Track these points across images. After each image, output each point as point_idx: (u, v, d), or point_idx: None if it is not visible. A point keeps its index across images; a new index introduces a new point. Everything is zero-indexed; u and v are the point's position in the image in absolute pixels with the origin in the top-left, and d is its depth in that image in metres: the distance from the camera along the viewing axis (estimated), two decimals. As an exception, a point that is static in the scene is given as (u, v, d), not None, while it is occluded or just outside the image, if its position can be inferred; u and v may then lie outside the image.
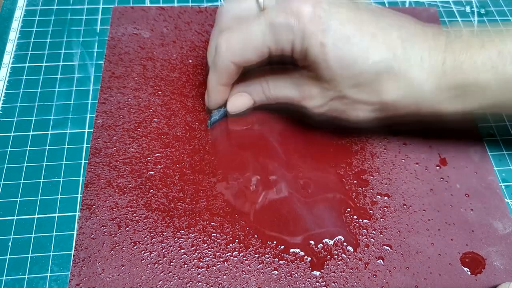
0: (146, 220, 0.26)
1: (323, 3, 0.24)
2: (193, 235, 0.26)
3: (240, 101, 0.29)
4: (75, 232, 0.26)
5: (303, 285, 0.25)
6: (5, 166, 0.28)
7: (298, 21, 0.23)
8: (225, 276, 0.25)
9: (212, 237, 0.26)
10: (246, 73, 0.28)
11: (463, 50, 0.24)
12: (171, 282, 0.25)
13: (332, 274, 0.25)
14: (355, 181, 0.29)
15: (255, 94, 0.29)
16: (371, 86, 0.24)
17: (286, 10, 0.24)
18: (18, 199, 0.27)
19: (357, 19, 0.24)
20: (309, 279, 0.25)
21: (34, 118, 0.30)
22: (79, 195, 0.27)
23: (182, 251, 0.26)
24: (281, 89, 0.28)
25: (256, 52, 0.25)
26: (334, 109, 0.27)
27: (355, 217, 0.27)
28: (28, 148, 0.29)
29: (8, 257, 0.25)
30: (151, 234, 0.26)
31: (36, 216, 0.26)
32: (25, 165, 0.28)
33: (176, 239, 0.26)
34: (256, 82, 0.28)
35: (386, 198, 0.28)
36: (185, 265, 0.25)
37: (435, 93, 0.24)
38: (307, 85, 0.26)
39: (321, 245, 0.26)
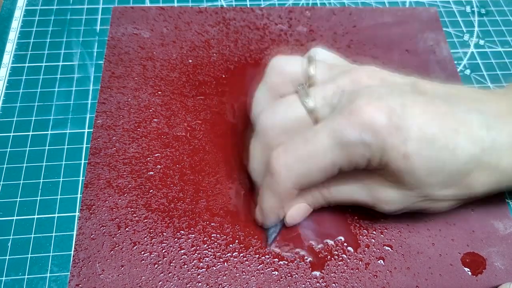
0: (146, 220, 0.26)
1: (397, 107, 0.21)
2: (193, 235, 0.26)
3: (299, 213, 0.25)
4: (74, 233, 0.26)
5: (303, 285, 0.25)
6: (5, 166, 0.28)
7: (375, 137, 0.20)
8: (225, 277, 0.25)
9: (212, 238, 0.26)
10: None
11: None
12: (171, 283, 0.24)
13: (332, 274, 0.25)
14: (356, 181, 0.29)
15: (314, 202, 0.25)
16: (461, 183, 0.22)
17: (355, 123, 0.20)
18: (18, 199, 0.27)
19: (434, 115, 0.21)
20: (309, 280, 0.25)
21: (33, 118, 0.30)
22: (78, 196, 0.27)
23: (182, 251, 0.25)
24: (346, 193, 0.24)
25: (324, 173, 0.22)
26: (412, 206, 0.24)
27: (355, 217, 0.27)
28: (27, 148, 0.29)
29: (7, 257, 0.25)
30: (151, 235, 0.26)
31: (35, 216, 0.26)
32: (24, 165, 0.28)
33: (176, 239, 0.26)
34: (315, 190, 0.25)
35: (386, 198, 0.28)
36: (185, 266, 0.25)
37: None
38: (383, 191, 0.23)
39: (321, 245, 0.26)
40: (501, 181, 0.23)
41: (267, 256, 0.26)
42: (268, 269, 0.25)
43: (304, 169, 0.22)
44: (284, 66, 0.24)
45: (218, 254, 0.26)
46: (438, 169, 0.21)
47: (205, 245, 0.26)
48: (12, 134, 0.29)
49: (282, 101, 0.23)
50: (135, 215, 0.26)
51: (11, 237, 0.26)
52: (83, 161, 0.28)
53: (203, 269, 0.25)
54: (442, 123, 0.21)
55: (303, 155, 0.22)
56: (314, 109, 0.22)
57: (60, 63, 0.33)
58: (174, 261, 0.25)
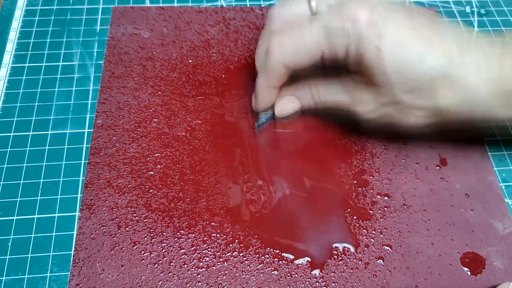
0: (146, 220, 0.26)
1: (379, 8, 0.24)
2: (193, 235, 0.26)
3: (288, 105, 0.29)
4: (75, 232, 0.26)
5: (303, 285, 0.25)
6: (5, 166, 0.28)
7: (354, 26, 0.23)
8: (225, 276, 0.25)
9: (212, 237, 0.26)
10: (295, 77, 0.28)
11: None
12: (171, 282, 0.25)
13: (332, 274, 0.25)
14: (355, 181, 0.29)
15: (303, 99, 0.29)
16: (426, 91, 0.24)
17: (342, 14, 0.24)
18: (18, 199, 0.27)
19: (412, 24, 0.24)
20: (309, 279, 0.25)
21: (34, 118, 0.30)
22: (79, 195, 0.27)
23: (182, 251, 0.26)
24: (331, 93, 0.27)
25: (308, 55, 0.25)
26: (386, 115, 0.26)
27: (355, 217, 0.27)
28: (28, 148, 0.29)
29: (8, 257, 0.25)
30: (151, 234, 0.26)
31: (36, 216, 0.26)
32: (25, 165, 0.28)
33: (176, 239, 0.26)
34: (305, 87, 0.28)
35: (386, 198, 0.28)
36: (185, 265, 0.25)
37: (491, 99, 0.24)
38: (359, 90, 0.26)
39: (321, 245, 0.26)
40: (464, 101, 0.24)
41: (267, 256, 0.26)
42: (268, 268, 0.25)
43: (294, 48, 0.25)
44: (282, 11, 0.27)
45: (218, 253, 0.26)
46: (405, 70, 0.24)
47: (205, 245, 0.26)
48: (12, 134, 0.29)
49: (291, 1, 0.27)
50: (135, 215, 0.27)
51: (11, 237, 0.26)
52: (83, 161, 0.28)
53: (203, 269, 0.25)
54: (419, 31, 0.24)
55: (295, 37, 0.25)
56: (317, 11, 0.26)
57: (60, 63, 0.33)
58: (174, 260, 0.25)
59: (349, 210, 0.27)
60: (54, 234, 0.26)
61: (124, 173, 0.28)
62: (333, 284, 0.25)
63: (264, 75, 0.27)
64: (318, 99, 0.28)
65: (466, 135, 0.31)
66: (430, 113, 0.25)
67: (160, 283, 0.24)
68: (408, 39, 0.23)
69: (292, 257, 0.26)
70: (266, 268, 0.25)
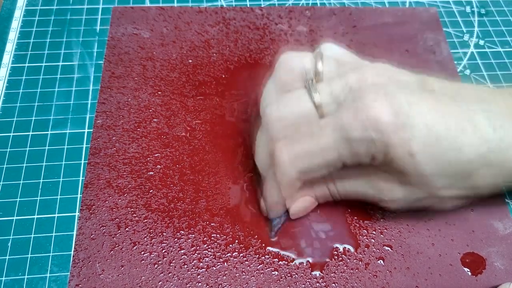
0: (145, 220, 0.26)
1: (403, 104, 0.21)
2: (193, 235, 0.26)
3: (304, 206, 0.26)
4: (74, 233, 0.26)
5: (303, 285, 0.25)
6: (5, 166, 0.28)
7: (380, 134, 0.20)
8: (225, 277, 0.25)
9: (212, 238, 0.26)
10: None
11: None
12: (171, 283, 0.24)
13: (332, 274, 0.25)
14: (355, 181, 0.29)
15: (319, 196, 0.26)
16: (466, 183, 0.22)
17: (361, 120, 0.20)
18: (18, 199, 0.27)
19: (441, 113, 0.21)
20: (309, 280, 0.25)
21: (33, 118, 0.30)
22: (78, 196, 0.27)
23: (182, 251, 0.26)
24: (351, 188, 0.25)
25: (327, 167, 0.22)
26: (419, 206, 0.24)
27: (355, 217, 0.27)
28: (27, 148, 0.29)
29: (7, 257, 0.25)
30: (151, 235, 0.26)
31: (35, 216, 0.26)
32: (24, 165, 0.28)
33: (176, 239, 0.26)
34: (321, 184, 0.25)
35: (386, 198, 0.28)
36: (185, 266, 0.25)
37: None
38: (388, 188, 0.23)
39: (321, 245, 0.26)
40: (507, 181, 0.23)
41: (267, 256, 0.26)
42: (268, 269, 0.25)
43: (307, 162, 0.22)
44: (293, 62, 0.24)
45: (218, 254, 0.26)
46: (444, 169, 0.21)
47: (205, 245, 0.26)
48: (12, 134, 0.29)
49: (290, 95, 0.23)
50: (135, 215, 0.27)
51: (11, 237, 0.26)
52: (83, 161, 0.28)
53: (203, 269, 0.25)
54: (448, 122, 0.21)
55: (308, 148, 0.22)
56: (321, 105, 0.22)
57: (60, 63, 0.33)
58: (174, 261, 0.25)
59: (349, 210, 0.27)
60: (54, 234, 0.26)
61: (124, 173, 0.28)
62: (334, 284, 0.25)
63: (274, 187, 0.24)
64: (336, 194, 0.25)
65: None
66: (466, 196, 0.24)
67: (160, 283, 0.24)
68: (440, 134, 0.21)
69: (292, 257, 0.26)
70: (266, 269, 0.25)
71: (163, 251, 0.25)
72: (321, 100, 0.22)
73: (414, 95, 0.21)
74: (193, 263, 0.25)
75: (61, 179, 0.28)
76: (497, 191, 0.24)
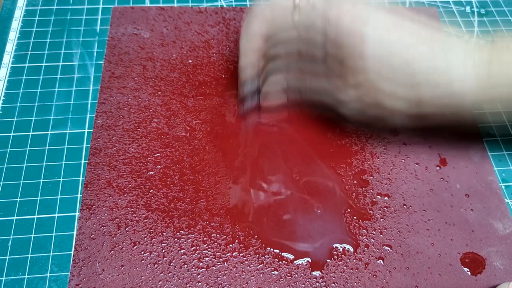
0: (146, 220, 0.26)
1: (364, 14, 0.24)
2: (193, 235, 0.26)
3: (273, 87, 0.30)
4: (74, 232, 0.26)
5: (303, 285, 0.25)
6: (5, 166, 0.28)
7: (336, 33, 0.24)
8: (225, 277, 0.25)
9: (212, 238, 0.26)
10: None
11: (506, 50, 0.24)
12: (171, 283, 0.25)
13: (332, 274, 0.25)
14: (355, 181, 0.29)
15: (290, 83, 0.29)
16: (410, 93, 0.25)
17: (324, 16, 0.25)
18: (18, 199, 0.27)
19: (398, 26, 0.24)
20: (309, 280, 0.25)
21: (34, 118, 0.30)
22: (79, 195, 0.27)
23: (182, 251, 0.26)
24: (314, 84, 0.28)
25: (285, 43, 0.27)
26: (372, 115, 0.27)
27: (355, 217, 0.27)
28: (28, 148, 0.29)
29: (7, 257, 0.25)
30: (151, 235, 0.26)
31: (36, 216, 0.26)
32: (25, 165, 0.28)
33: (176, 239, 0.26)
34: (290, 71, 0.29)
35: (386, 198, 0.28)
36: (185, 266, 0.25)
37: (476, 104, 0.24)
38: (342, 86, 0.26)
39: (321, 245, 0.26)
40: (451, 102, 0.24)
41: (267, 256, 0.26)
42: (268, 269, 0.25)
43: (272, 30, 0.27)
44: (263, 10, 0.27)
45: (218, 254, 0.26)
46: (391, 73, 0.24)
47: (205, 245, 0.26)
48: (12, 134, 0.29)
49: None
50: (135, 215, 0.27)
51: (11, 237, 0.26)
52: (83, 161, 0.28)
53: (203, 269, 0.25)
54: (403, 35, 0.24)
55: (276, 22, 0.26)
56: (298, 6, 0.26)
57: (60, 63, 0.33)
58: (174, 261, 0.25)
59: (349, 210, 0.27)
60: (54, 234, 0.26)
61: (124, 173, 0.28)
62: (333, 284, 0.25)
63: (245, 39, 0.27)
64: (303, 86, 0.29)
65: (463, 131, 0.31)
66: (411, 104, 0.25)
67: (160, 283, 0.24)
68: (393, 37, 0.24)
69: (292, 257, 0.26)
70: (266, 268, 0.25)
71: (163, 251, 0.25)
72: (299, 2, 0.26)
73: (378, 11, 0.25)
74: (193, 263, 0.25)
75: (61, 179, 0.28)
76: (446, 116, 0.25)
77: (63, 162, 0.28)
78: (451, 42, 0.24)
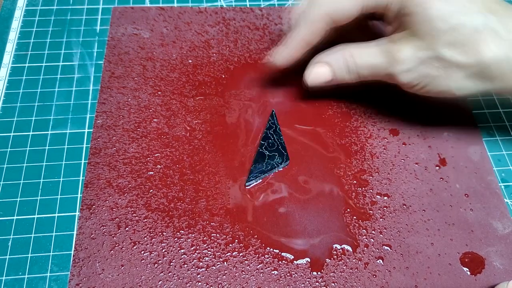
0: (146, 220, 0.26)
1: None
2: (192, 235, 0.26)
3: (319, 71, 0.27)
4: (74, 232, 0.26)
5: (302, 285, 0.25)
6: (5, 166, 0.28)
7: None
8: (224, 276, 0.25)
9: (212, 237, 0.26)
10: (329, 47, 0.28)
11: None
12: (171, 282, 0.25)
13: (331, 274, 0.25)
14: (355, 181, 0.29)
15: (336, 66, 0.27)
16: (471, 45, 0.24)
17: None
18: (18, 199, 0.27)
19: None
20: (308, 279, 0.25)
21: (34, 118, 0.30)
22: (79, 195, 0.27)
23: (182, 251, 0.26)
24: (365, 56, 0.26)
25: (352, 2, 0.25)
26: (425, 75, 0.25)
27: (354, 217, 0.27)
28: (28, 148, 0.29)
29: (7, 257, 0.25)
30: (151, 234, 0.26)
31: (36, 216, 0.26)
32: (25, 165, 0.28)
33: (176, 239, 0.26)
34: (338, 52, 0.27)
35: (385, 198, 0.28)
36: (185, 265, 0.25)
37: None
38: (397, 46, 0.25)
39: (320, 245, 0.26)
40: (510, 59, 0.24)
41: (266, 256, 0.26)
42: (268, 268, 0.25)
43: (336, 3, 0.25)
44: None
45: (217, 253, 0.26)
46: (450, 19, 0.23)
47: (205, 245, 0.26)
48: (12, 134, 0.29)
49: None
50: (135, 214, 0.27)
51: (11, 237, 0.26)
52: (83, 161, 0.28)
53: (203, 269, 0.25)
54: None
55: None
56: None
57: (60, 63, 0.33)
58: (174, 260, 0.25)
59: (348, 210, 0.27)
60: (54, 234, 0.26)
61: (124, 173, 0.28)
62: (333, 284, 0.25)
63: (304, 25, 0.26)
64: (353, 64, 0.27)
65: (464, 130, 0.31)
66: (472, 71, 0.24)
67: (160, 283, 0.24)
68: None
69: (292, 257, 0.26)
70: (266, 268, 0.25)
71: (163, 250, 0.25)
72: None
73: None
74: (193, 263, 0.25)
75: (61, 179, 0.28)
76: (503, 93, 0.25)
77: (63, 162, 0.28)
78: (509, 6, 0.24)
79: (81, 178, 0.28)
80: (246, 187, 0.28)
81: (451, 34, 0.23)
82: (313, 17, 0.26)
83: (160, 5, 0.37)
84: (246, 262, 0.25)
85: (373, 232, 0.27)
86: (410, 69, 0.25)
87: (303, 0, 0.28)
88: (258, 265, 0.25)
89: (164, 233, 0.26)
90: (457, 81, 0.25)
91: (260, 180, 0.28)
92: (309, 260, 0.26)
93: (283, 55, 0.28)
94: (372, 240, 0.27)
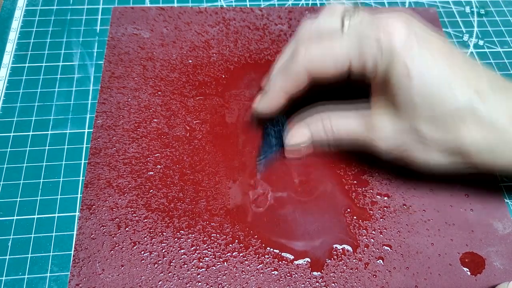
0: (146, 220, 0.26)
1: (417, 28, 0.23)
2: (193, 235, 0.26)
3: (299, 132, 0.28)
4: (74, 232, 0.26)
5: (302, 285, 0.25)
6: (5, 166, 0.28)
7: (389, 39, 0.22)
8: (225, 277, 0.25)
9: (212, 238, 0.26)
10: (307, 108, 0.28)
11: None
12: (171, 282, 0.25)
13: (332, 274, 0.25)
14: (355, 181, 0.29)
15: (314, 129, 0.27)
16: (450, 125, 0.23)
17: (377, 24, 0.23)
18: (18, 199, 0.27)
19: (448, 54, 0.23)
20: (308, 279, 0.25)
21: (34, 118, 0.30)
22: (79, 195, 0.27)
23: (182, 251, 0.26)
24: (343, 121, 0.26)
25: (335, 64, 0.24)
26: (403, 145, 0.24)
27: (354, 217, 0.27)
28: (28, 148, 0.29)
29: (7, 257, 0.25)
30: (151, 234, 0.26)
31: (36, 216, 0.26)
32: (25, 165, 0.28)
33: (176, 239, 0.26)
34: (316, 116, 0.27)
35: (386, 198, 0.28)
36: (185, 265, 0.25)
37: None
38: (376, 114, 0.25)
39: (320, 245, 0.26)
40: (492, 143, 0.23)
41: (267, 256, 0.26)
42: (268, 269, 0.25)
43: (321, 54, 0.24)
44: (313, 24, 0.26)
45: (217, 254, 0.26)
46: (432, 96, 0.22)
47: (205, 245, 0.26)
48: (12, 134, 0.29)
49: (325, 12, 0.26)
50: (135, 215, 0.27)
51: (11, 237, 0.26)
52: (83, 161, 0.28)
53: (203, 269, 0.25)
54: (453, 62, 0.23)
55: (324, 45, 0.24)
56: (348, 19, 0.25)
57: (60, 63, 0.33)
58: (174, 260, 0.25)
59: (349, 210, 0.27)
60: (54, 234, 0.26)
61: (124, 173, 0.28)
62: (333, 284, 0.25)
63: (283, 77, 0.26)
64: (329, 129, 0.27)
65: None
66: (450, 151, 0.24)
67: (160, 283, 0.24)
68: (441, 67, 0.22)
69: (292, 257, 0.26)
70: (266, 268, 0.25)
71: (163, 250, 0.25)
72: (349, 22, 0.24)
73: (432, 33, 0.23)
74: (193, 263, 0.25)
75: (61, 179, 0.28)
76: (487, 165, 0.24)
77: (63, 162, 0.28)
78: (499, 83, 0.23)
79: (81, 178, 0.28)
80: (259, 172, 0.28)
81: (432, 111, 0.23)
82: (292, 70, 0.25)
83: (160, 5, 0.37)
84: (246, 262, 0.25)
85: (373, 232, 0.27)
86: (388, 137, 0.25)
87: (287, 51, 0.27)
88: (258, 265, 0.25)
89: (164, 233, 0.26)
90: (432, 155, 0.24)
91: (270, 161, 0.28)
92: (309, 260, 0.26)
93: (262, 104, 0.28)
94: (372, 240, 0.27)
